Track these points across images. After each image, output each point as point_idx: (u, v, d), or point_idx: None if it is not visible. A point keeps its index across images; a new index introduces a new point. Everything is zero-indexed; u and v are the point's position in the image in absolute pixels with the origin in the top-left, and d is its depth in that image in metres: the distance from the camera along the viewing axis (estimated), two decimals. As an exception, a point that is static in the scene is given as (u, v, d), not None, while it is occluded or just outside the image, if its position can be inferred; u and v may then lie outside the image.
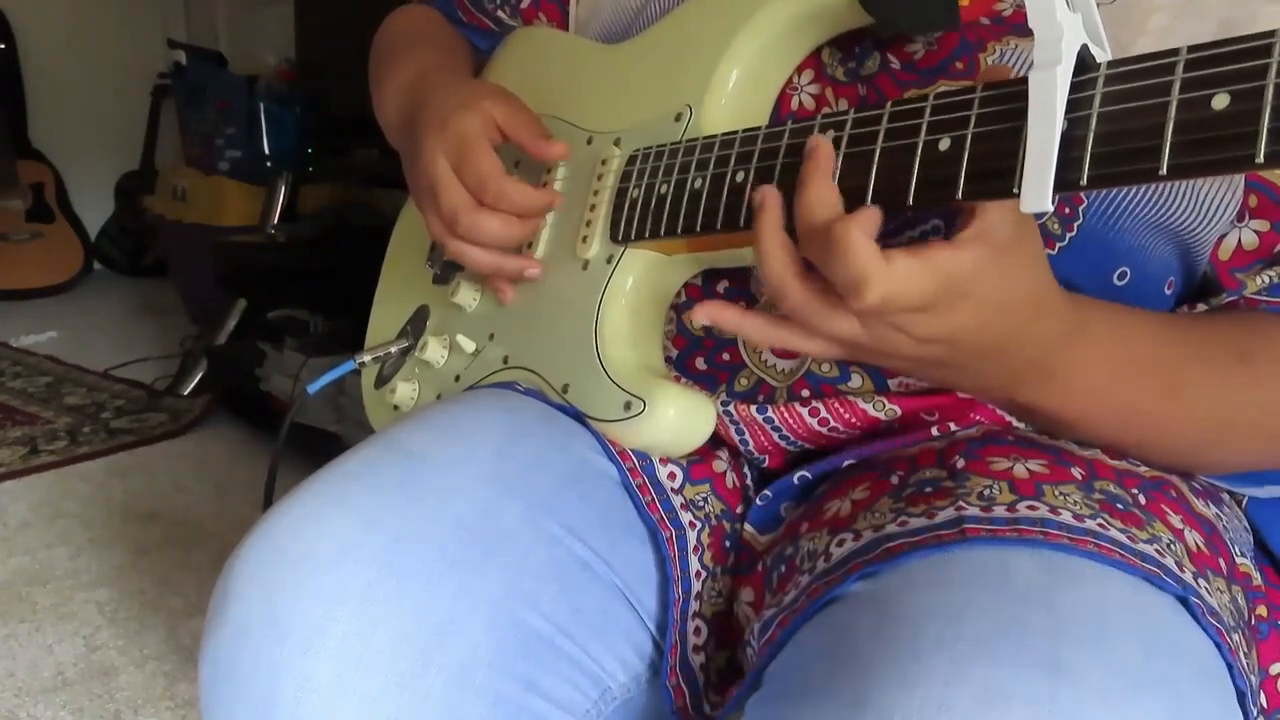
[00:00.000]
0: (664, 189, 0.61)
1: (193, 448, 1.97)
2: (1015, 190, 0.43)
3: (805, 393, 0.62)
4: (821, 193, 0.49)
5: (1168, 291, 0.60)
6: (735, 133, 0.58)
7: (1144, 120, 0.40)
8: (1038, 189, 0.42)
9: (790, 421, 0.62)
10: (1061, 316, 0.51)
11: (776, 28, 0.61)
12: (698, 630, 0.62)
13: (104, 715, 1.17)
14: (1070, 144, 0.42)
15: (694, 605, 0.62)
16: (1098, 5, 0.43)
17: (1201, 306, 0.59)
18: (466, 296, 0.76)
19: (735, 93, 0.63)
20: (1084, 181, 0.41)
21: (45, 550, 1.53)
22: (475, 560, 0.55)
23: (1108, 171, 0.41)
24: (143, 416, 2.10)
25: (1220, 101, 0.38)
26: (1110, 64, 0.42)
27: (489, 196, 0.67)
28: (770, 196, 0.51)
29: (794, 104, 0.63)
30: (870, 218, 0.47)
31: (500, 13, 0.85)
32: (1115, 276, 0.58)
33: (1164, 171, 0.39)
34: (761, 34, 0.61)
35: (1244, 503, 0.64)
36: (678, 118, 0.64)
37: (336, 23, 2.37)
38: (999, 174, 0.44)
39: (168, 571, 1.48)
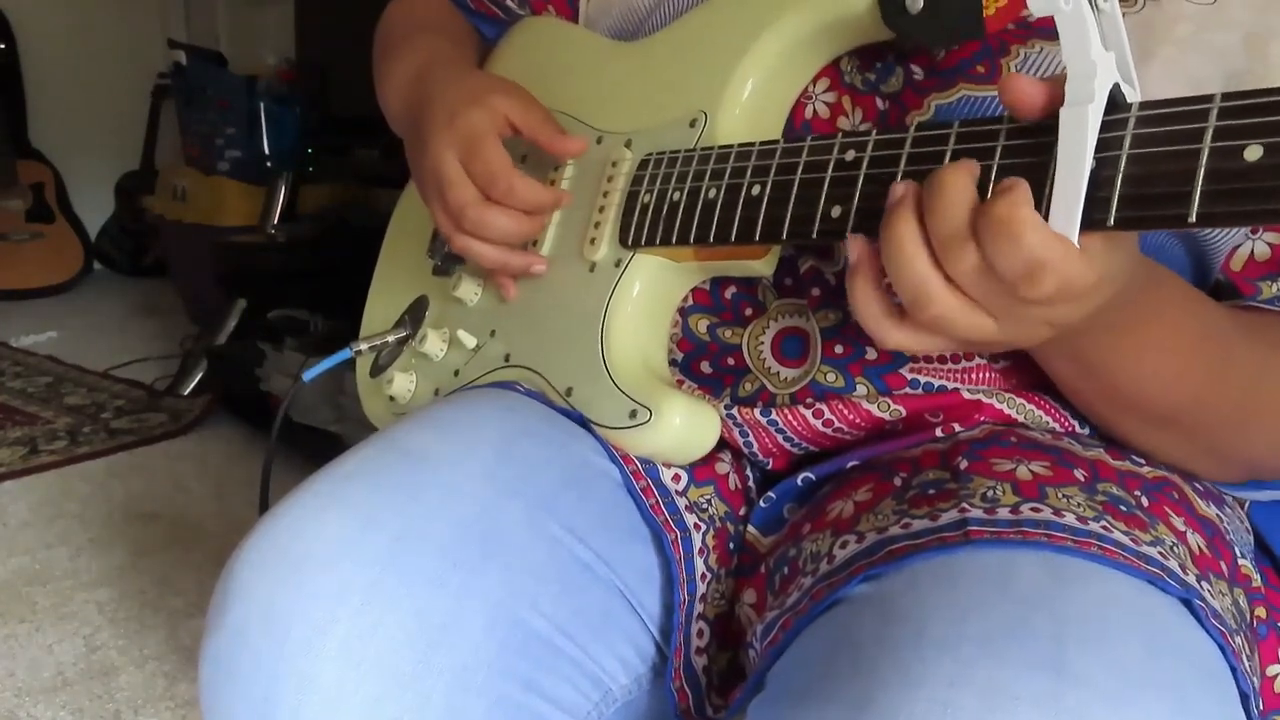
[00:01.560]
0: (677, 196, 0.61)
1: (193, 448, 1.96)
2: None
3: (809, 399, 0.62)
4: (960, 177, 0.45)
5: None
6: (752, 144, 0.57)
7: (1174, 165, 0.40)
8: (1064, 226, 0.42)
9: (794, 423, 0.62)
10: (1144, 271, 0.49)
11: (796, 37, 0.61)
12: (700, 632, 0.62)
13: (104, 715, 1.17)
14: (1098, 183, 0.41)
15: (698, 607, 0.62)
16: (1123, 14, 0.43)
17: None
18: (468, 290, 0.75)
19: (751, 101, 0.62)
20: (1111, 222, 0.41)
21: (45, 550, 1.53)
22: (476, 560, 0.55)
23: (1135, 214, 0.41)
24: (143, 416, 2.10)
25: (1253, 153, 0.38)
26: (1142, 105, 0.42)
27: (497, 192, 0.67)
28: (905, 190, 0.47)
29: (808, 112, 0.63)
30: (1025, 191, 0.42)
31: (509, 1, 0.84)
32: None
33: (1193, 219, 0.39)
34: (780, 42, 0.61)
35: (1246, 505, 0.64)
36: (692, 123, 0.63)
37: (336, 23, 2.37)
38: None
39: (168, 571, 1.48)
